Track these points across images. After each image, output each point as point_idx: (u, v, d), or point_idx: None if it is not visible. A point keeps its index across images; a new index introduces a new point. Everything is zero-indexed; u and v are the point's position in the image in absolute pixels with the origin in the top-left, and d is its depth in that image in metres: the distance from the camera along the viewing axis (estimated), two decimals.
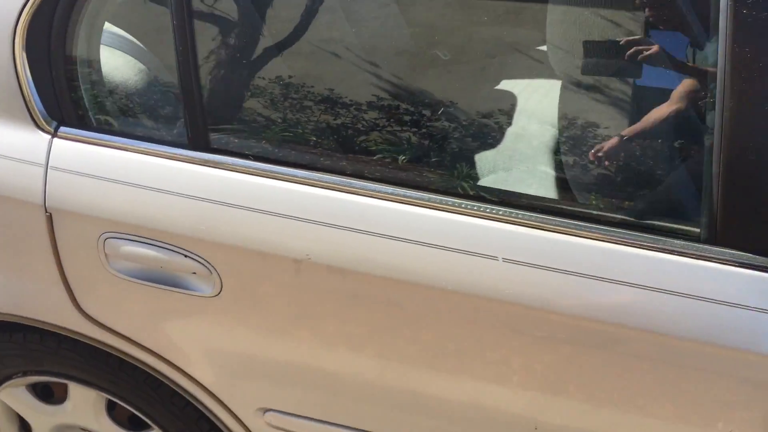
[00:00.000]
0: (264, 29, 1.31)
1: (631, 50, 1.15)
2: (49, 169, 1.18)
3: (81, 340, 1.32)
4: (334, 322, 1.15)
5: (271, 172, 1.14)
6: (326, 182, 1.12)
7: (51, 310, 1.30)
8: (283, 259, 1.12)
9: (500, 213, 1.05)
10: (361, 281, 1.10)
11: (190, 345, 1.26)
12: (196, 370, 1.27)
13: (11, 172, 1.20)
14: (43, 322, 1.32)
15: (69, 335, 1.32)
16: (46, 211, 1.19)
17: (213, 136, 1.18)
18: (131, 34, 1.33)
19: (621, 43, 1.17)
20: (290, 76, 1.28)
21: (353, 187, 1.11)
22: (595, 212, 1.07)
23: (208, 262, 1.16)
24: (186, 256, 1.16)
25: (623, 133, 1.16)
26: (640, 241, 1.01)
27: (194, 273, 1.17)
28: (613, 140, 1.15)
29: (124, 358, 1.31)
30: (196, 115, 1.16)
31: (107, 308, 1.27)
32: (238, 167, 1.14)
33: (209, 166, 1.15)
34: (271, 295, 1.17)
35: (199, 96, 1.15)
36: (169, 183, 1.15)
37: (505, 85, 1.41)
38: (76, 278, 1.25)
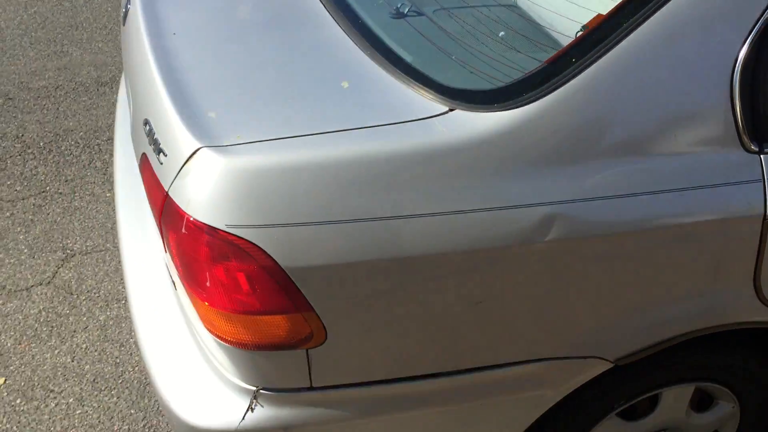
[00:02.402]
0: None
1: None
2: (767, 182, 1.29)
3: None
4: None
5: None
6: None
7: (740, 310, 1.43)
8: None
9: None
10: None
11: None
12: None
13: (730, 195, 1.29)
14: (729, 324, 1.45)
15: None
16: (766, 218, 1.31)
17: None
18: None
19: None
20: None
21: None
22: None
23: None
24: None
25: None
26: None
27: None
28: None
29: None
30: None
31: None
32: None
33: None
34: None
35: None
36: None
37: None
38: None
